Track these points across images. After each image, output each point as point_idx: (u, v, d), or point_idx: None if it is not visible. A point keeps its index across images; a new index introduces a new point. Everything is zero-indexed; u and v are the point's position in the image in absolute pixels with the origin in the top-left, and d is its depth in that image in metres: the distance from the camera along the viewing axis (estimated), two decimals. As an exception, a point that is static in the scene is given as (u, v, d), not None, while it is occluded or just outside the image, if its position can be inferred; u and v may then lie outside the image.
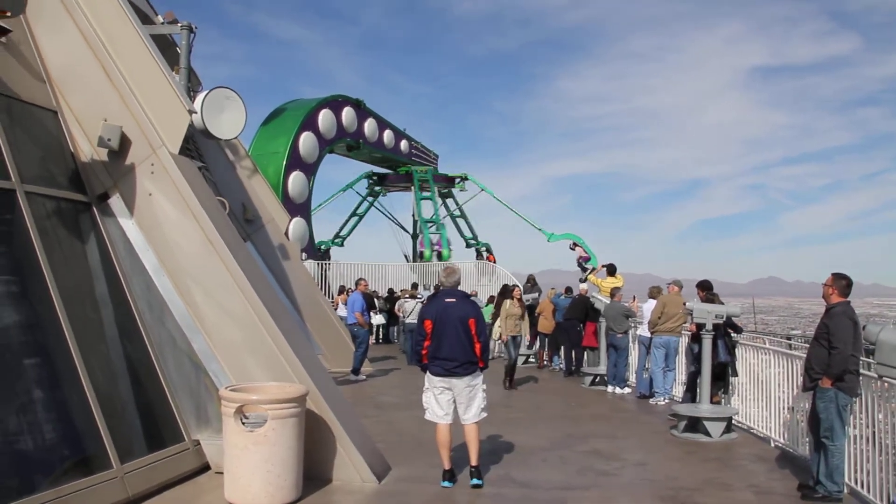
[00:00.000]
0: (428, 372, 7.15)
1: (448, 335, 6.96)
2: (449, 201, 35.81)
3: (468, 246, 36.08)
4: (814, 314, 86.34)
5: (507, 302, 14.03)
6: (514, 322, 13.86)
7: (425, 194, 32.71)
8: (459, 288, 7.55)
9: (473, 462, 7.07)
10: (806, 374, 6.81)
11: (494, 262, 29.80)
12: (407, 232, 36.31)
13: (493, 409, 9.75)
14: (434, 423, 7.12)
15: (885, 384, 6.59)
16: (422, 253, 29.20)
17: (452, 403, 7.09)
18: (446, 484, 7.00)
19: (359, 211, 35.05)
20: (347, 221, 34.75)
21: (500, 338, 14.20)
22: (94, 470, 5.80)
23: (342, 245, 33.81)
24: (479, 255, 34.77)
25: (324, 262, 25.30)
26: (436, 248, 28.95)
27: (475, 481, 6.98)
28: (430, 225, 30.35)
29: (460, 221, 36.44)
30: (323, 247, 30.11)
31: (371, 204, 35.22)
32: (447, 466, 7.09)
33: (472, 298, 9.05)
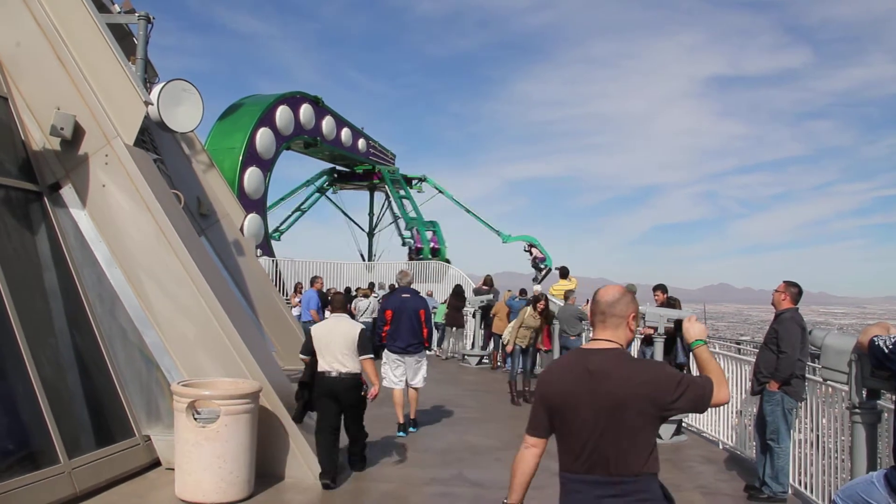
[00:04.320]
0: (386, 350, 9.24)
1: (403, 322, 9.10)
2: (406, 202, 35.41)
3: None
4: (762, 321, 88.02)
5: (528, 310, 12.13)
6: (529, 335, 12.05)
7: (401, 193, 32.80)
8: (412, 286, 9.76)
9: (412, 416, 9.41)
10: (754, 377, 6.96)
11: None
12: (363, 230, 36.07)
13: (445, 409, 9.74)
14: (391, 388, 9.11)
15: (830, 389, 6.75)
16: (419, 249, 29.28)
17: (404, 374, 9.18)
18: (400, 434, 8.91)
19: (303, 206, 34.80)
20: (290, 216, 34.61)
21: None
22: (42, 465, 5.68)
23: (279, 239, 32.94)
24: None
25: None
26: (417, 245, 29.20)
27: (412, 429, 9.25)
28: (412, 222, 30.66)
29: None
30: None
31: (316, 200, 34.98)
32: (401, 420, 9.09)
33: (427, 297, 10.88)
